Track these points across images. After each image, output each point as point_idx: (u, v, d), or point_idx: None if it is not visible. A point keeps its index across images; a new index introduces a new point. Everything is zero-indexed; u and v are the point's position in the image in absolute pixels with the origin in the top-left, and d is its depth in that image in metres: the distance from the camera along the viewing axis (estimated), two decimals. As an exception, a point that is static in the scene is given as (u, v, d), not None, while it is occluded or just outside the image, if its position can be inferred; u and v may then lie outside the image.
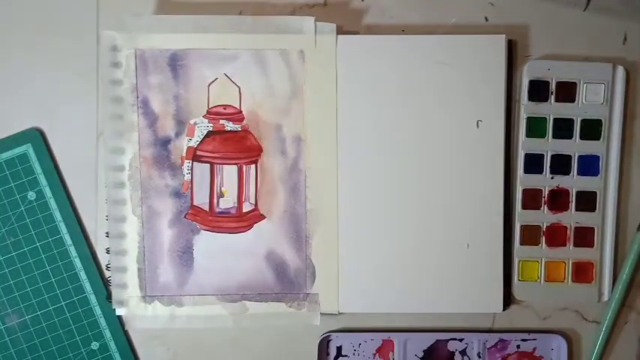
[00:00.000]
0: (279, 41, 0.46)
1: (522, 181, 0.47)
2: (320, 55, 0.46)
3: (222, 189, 0.47)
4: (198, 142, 0.46)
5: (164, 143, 0.46)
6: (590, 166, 0.46)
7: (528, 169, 0.46)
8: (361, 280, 0.46)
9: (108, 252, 0.47)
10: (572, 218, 0.47)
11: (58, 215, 0.47)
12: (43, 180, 0.47)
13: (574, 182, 0.46)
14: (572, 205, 0.47)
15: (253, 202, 0.47)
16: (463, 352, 0.48)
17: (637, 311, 0.49)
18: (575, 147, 0.46)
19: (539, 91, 0.46)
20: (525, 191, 0.47)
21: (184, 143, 0.46)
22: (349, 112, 0.46)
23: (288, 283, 0.47)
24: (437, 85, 0.46)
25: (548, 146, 0.46)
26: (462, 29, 0.47)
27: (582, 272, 0.47)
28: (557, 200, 0.47)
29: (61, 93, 0.47)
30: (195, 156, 0.46)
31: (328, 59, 0.46)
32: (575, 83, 0.46)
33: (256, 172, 0.46)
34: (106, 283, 0.48)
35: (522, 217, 0.47)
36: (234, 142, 0.46)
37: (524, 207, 0.47)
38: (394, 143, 0.46)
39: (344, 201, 0.46)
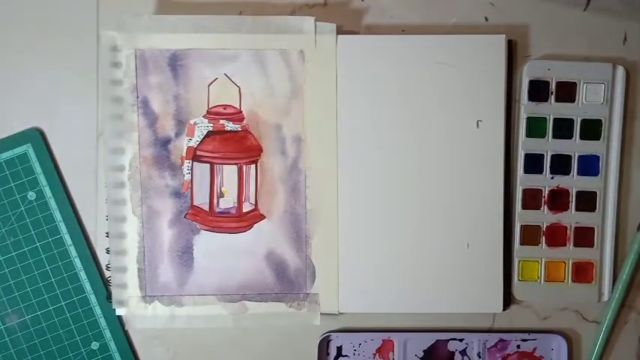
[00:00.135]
0: (279, 41, 0.46)
1: (522, 181, 0.47)
2: (320, 55, 0.46)
3: (222, 189, 0.47)
4: (198, 142, 0.46)
5: (164, 143, 0.46)
6: (590, 166, 0.46)
7: (528, 169, 0.46)
8: (361, 280, 0.46)
9: (108, 252, 0.47)
10: (572, 218, 0.47)
11: (58, 215, 0.47)
12: (43, 180, 0.47)
13: (574, 182, 0.46)
14: (572, 205, 0.47)
15: (253, 202, 0.47)
16: (463, 352, 0.48)
17: (637, 311, 0.48)
18: (575, 147, 0.46)
19: (539, 91, 0.46)
20: (525, 191, 0.47)
21: (184, 143, 0.46)
22: (349, 112, 0.46)
23: (288, 283, 0.47)
24: (437, 85, 0.46)
25: (548, 146, 0.46)
26: (462, 29, 0.47)
27: (582, 272, 0.47)
28: (557, 200, 0.47)
29: (61, 93, 0.47)
30: (195, 156, 0.46)
31: (328, 59, 0.46)
32: (575, 83, 0.46)
33: (256, 172, 0.46)
34: (106, 283, 0.48)
35: (522, 217, 0.47)
36: (234, 142, 0.46)
37: (524, 207, 0.47)
38: (394, 143, 0.46)
39: (344, 201, 0.46)
